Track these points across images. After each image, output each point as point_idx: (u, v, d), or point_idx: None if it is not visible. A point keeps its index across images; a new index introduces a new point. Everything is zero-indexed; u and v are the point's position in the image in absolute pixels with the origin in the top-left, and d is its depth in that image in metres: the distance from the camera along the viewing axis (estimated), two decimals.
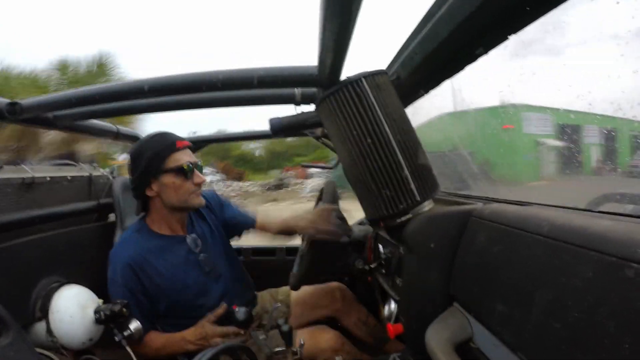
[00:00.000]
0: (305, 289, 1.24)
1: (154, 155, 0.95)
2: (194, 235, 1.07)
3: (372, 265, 0.90)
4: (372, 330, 1.24)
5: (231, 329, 0.98)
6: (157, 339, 1.00)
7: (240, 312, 0.97)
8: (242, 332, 1.00)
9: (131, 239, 1.02)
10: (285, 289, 1.27)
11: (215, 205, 1.18)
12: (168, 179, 0.96)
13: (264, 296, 1.26)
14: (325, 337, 1.06)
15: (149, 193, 0.98)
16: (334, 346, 1.04)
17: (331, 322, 1.25)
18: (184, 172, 0.97)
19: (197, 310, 1.01)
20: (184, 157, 0.98)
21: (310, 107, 0.97)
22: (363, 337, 1.23)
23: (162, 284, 0.98)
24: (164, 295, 0.99)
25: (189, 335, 0.98)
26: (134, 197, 1.03)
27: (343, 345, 1.07)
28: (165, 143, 0.97)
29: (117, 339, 0.89)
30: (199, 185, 1.00)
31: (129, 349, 0.90)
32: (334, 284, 1.31)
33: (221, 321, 1.00)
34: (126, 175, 1.39)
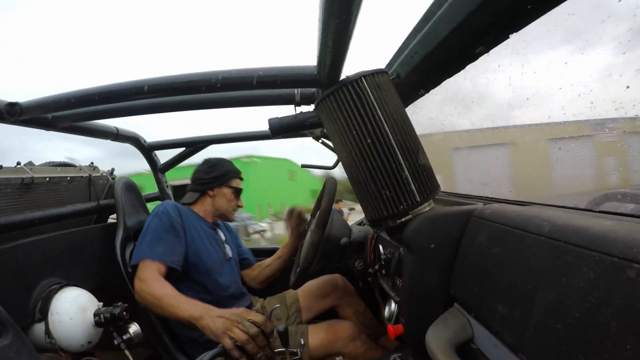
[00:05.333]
0: (310, 282, 1.40)
1: (229, 171, 1.35)
2: (221, 231, 1.39)
3: (372, 266, 0.90)
4: (368, 323, 1.33)
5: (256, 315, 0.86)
6: (166, 285, 0.99)
7: None
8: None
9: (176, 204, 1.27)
10: (292, 292, 1.39)
11: (234, 232, 1.54)
12: (228, 192, 1.34)
13: (272, 301, 1.38)
14: (343, 327, 1.19)
15: (209, 192, 1.33)
16: (351, 334, 1.17)
17: (332, 313, 1.37)
18: (238, 193, 1.37)
19: (211, 282, 1.19)
20: (241, 184, 1.39)
21: (310, 107, 0.97)
22: (359, 328, 1.27)
23: (195, 240, 1.20)
24: (193, 250, 1.18)
25: (198, 306, 0.90)
26: (194, 188, 1.34)
27: (359, 333, 1.19)
28: (237, 170, 1.39)
29: (116, 342, 0.89)
30: (239, 207, 1.39)
31: (127, 353, 0.90)
32: (335, 274, 1.43)
33: None
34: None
